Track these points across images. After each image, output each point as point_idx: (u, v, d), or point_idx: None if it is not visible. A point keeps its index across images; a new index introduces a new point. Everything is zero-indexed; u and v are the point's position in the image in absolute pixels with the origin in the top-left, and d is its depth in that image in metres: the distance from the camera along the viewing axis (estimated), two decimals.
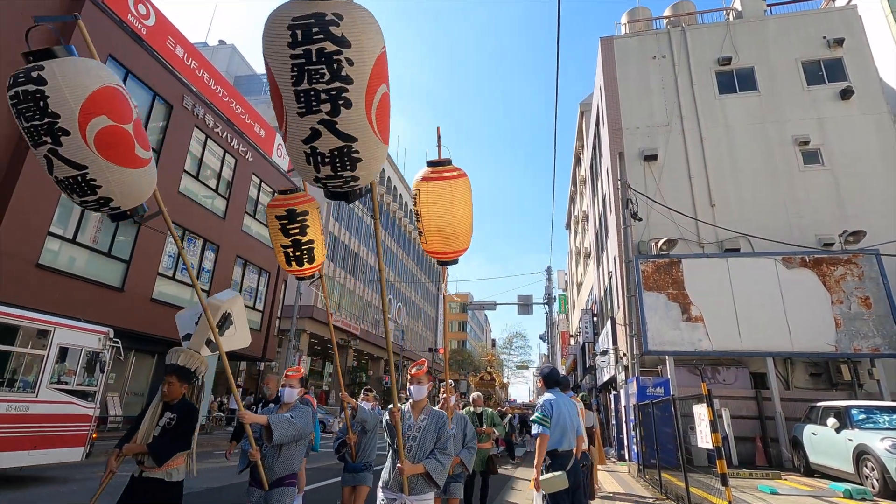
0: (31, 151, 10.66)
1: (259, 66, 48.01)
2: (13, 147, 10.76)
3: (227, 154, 17.77)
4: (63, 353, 7.82)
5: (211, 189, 17.02)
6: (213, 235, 16.83)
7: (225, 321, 3.75)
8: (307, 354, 26.01)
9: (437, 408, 4.02)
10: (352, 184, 2.13)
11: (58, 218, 11.54)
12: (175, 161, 15.14)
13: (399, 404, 3.03)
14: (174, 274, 15.29)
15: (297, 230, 3.71)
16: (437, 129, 3.43)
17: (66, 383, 7.84)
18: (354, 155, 1.99)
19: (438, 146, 3.42)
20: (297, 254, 3.79)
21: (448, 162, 3.40)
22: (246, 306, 18.95)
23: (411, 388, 3.20)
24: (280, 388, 3.69)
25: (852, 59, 15.12)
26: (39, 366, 7.40)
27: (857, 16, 15.72)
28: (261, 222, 19.99)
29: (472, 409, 6.41)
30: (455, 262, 3.74)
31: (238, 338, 3.96)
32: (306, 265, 3.88)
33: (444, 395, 4.37)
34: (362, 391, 6.61)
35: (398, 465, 2.84)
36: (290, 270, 3.95)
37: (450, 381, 4.68)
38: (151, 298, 14.20)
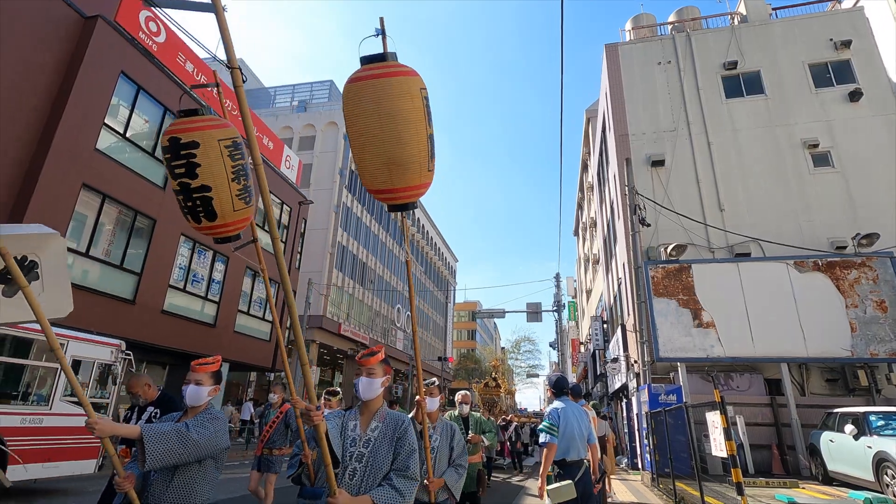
0: (45, 167, 10.89)
1: (267, 80, 48.63)
2: (28, 162, 10.98)
3: None
4: (76, 365, 7.91)
5: None
6: (223, 247, 16.98)
7: (19, 269, 2.15)
8: (317, 365, 26.06)
9: (410, 415, 3.27)
10: None
11: (71, 232, 11.72)
12: None
13: (320, 403, 2.07)
14: (185, 286, 15.43)
15: (182, 169, 2.62)
16: (381, 19, 2.45)
17: None
18: None
19: (383, 38, 2.42)
20: (189, 204, 2.70)
21: (392, 57, 2.40)
22: (254, 316, 19.05)
23: (359, 381, 2.32)
24: (183, 387, 2.56)
25: (860, 60, 15.02)
26: (53, 379, 7.49)
27: (864, 17, 15.64)
28: (268, 233, 20.15)
29: (455, 412, 5.29)
30: (411, 206, 2.67)
31: (51, 300, 2.44)
32: (205, 221, 2.77)
33: (419, 398, 3.16)
34: (324, 395, 5.49)
35: (328, 498, 1.95)
36: (195, 228, 2.89)
37: (433, 379, 3.86)
38: (162, 310, 14.32)
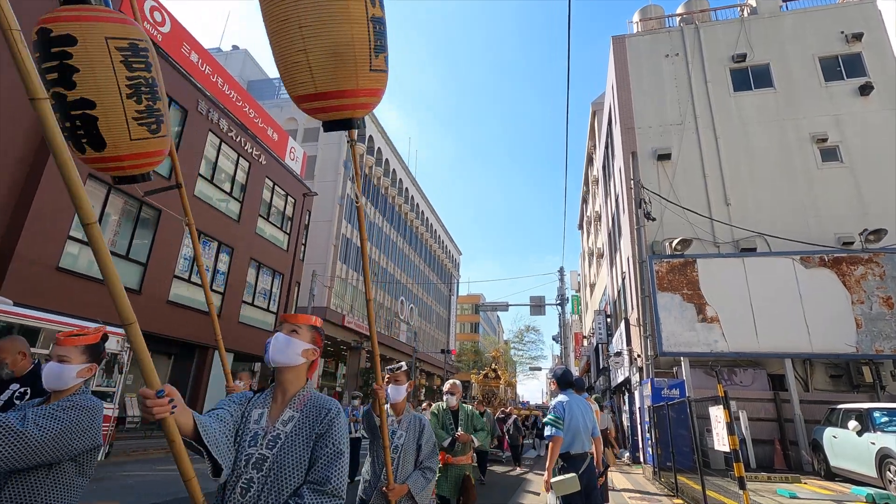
0: (51, 157, 10.92)
1: (272, 71, 48.62)
2: (33, 154, 11.01)
3: (240, 158, 17.99)
4: None
5: (225, 192, 17.24)
6: (227, 238, 17.03)
7: None
8: (320, 356, 26.19)
9: (362, 409, 2.76)
10: None
11: (77, 222, 11.78)
12: (190, 165, 15.37)
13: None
14: (189, 276, 15.50)
15: (54, 74, 1.86)
16: None
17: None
18: None
19: None
20: (68, 125, 1.95)
21: None
22: (260, 308, 19.17)
23: (271, 340, 1.69)
24: (44, 364, 1.98)
25: (871, 53, 14.82)
26: None
27: (876, 9, 15.41)
28: (274, 225, 20.19)
29: (443, 404, 4.64)
30: (353, 124, 1.95)
31: None
32: (90, 151, 2.02)
33: (378, 386, 2.54)
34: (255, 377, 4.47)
35: None
36: (81, 160, 2.03)
37: (401, 364, 3.19)
38: (167, 300, 14.41)
